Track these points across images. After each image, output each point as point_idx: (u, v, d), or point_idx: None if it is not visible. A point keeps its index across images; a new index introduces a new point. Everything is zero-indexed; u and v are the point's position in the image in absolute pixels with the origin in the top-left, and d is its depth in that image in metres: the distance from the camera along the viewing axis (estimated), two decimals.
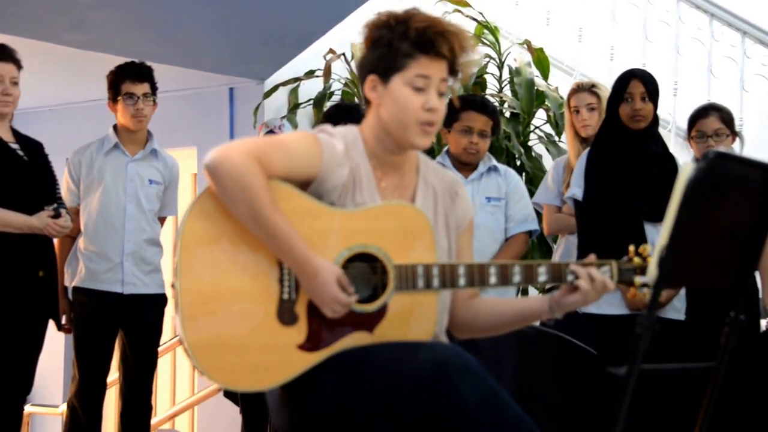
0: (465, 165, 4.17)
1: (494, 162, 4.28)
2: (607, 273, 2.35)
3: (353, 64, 6.18)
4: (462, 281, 2.28)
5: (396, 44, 2.27)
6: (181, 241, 2.17)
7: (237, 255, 2.20)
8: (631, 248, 2.40)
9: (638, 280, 2.37)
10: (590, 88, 4.52)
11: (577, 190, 3.99)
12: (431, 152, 4.58)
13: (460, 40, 2.30)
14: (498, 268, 2.31)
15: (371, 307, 2.24)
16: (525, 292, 5.52)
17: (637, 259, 2.38)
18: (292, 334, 2.20)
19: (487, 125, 4.15)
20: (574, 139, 4.56)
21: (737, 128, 4.32)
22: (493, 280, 2.30)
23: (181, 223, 2.19)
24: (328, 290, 2.16)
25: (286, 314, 2.20)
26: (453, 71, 2.34)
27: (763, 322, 4.23)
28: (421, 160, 2.46)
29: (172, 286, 2.19)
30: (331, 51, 6.19)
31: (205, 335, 2.17)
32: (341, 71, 6.30)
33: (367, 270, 2.26)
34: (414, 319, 2.28)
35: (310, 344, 2.21)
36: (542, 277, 2.33)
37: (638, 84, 3.91)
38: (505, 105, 6.20)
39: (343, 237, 2.23)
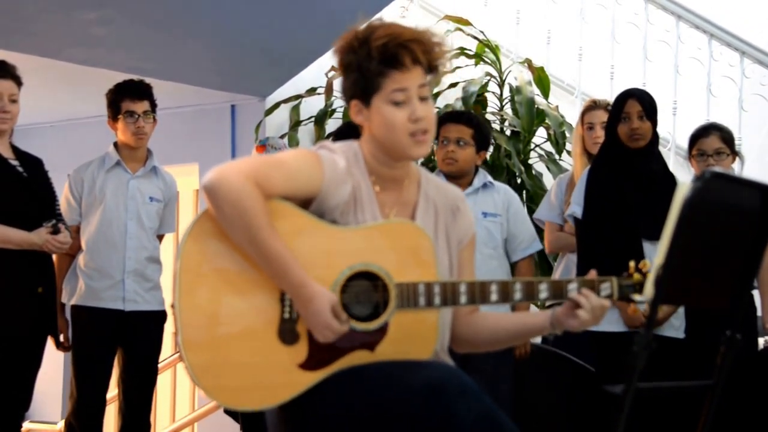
0: (453, 178, 4.15)
1: (489, 178, 4.31)
2: (607, 289, 2.33)
3: None
4: (463, 299, 2.27)
5: (365, 66, 2.25)
6: (180, 263, 2.17)
7: (237, 275, 2.19)
8: (632, 264, 2.37)
9: (638, 296, 2.34)
10: (607, 107, 4.52)
11: (576, 208, 4.01)
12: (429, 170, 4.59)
13: (423, 44, 2.26)
14: (499, 286, 2.30)
15: (372, 325, 2.23)
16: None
17: (637, 275, 2.35)
18: (293, 353, 2.20)
19: (462, 133, 4.15)
20: (582, 155, 4.57)
21: (737, 147, 4.33)
22: (494, 297, 2.29)
23: (180, 245, 2.19)
24: (322, 317, 2.15)
25: (287, 333, 2.20)
26: (430, 69, 2.30)
27: (761, 341, 4.22)
28: (423, 175, 2.45)
29: (172, 306, 2.19)
30: (333, 68, 6.19)
31: (206, 355, 2.16)
32: None
33: (368, 288, 2.25)
34: (415, 337, 2.27)
35: (311, 363, 2.20)
36: (543, 294, 2.32)
37: (635, 103, 3.92)
38: (506, 123, 6.22)
39: (344, 255, 2.23)
